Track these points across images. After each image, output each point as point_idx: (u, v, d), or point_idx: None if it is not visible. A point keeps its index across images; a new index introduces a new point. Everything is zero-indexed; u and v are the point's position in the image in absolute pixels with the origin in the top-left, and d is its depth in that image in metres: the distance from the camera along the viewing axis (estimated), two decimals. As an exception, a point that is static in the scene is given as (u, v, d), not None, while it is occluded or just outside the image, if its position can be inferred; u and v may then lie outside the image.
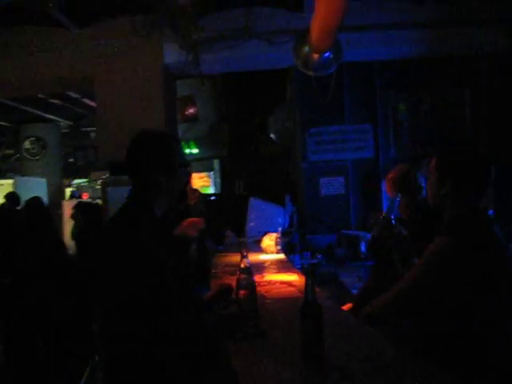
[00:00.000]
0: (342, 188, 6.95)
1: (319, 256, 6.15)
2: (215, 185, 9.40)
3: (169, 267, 2.20)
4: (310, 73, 5.70)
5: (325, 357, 1.91)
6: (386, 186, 3.26)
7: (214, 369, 2.18)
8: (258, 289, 2.98)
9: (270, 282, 3.37)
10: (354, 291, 5.13)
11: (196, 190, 5.74)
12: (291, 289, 3.17)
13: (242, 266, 2.37)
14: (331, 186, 6.94)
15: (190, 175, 2.10)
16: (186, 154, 9.80)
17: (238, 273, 2.36)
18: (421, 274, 2.28)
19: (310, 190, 6.97)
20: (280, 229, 4.99)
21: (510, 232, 5.89)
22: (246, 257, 2.40)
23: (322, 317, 1.91)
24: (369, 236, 6.53)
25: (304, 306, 1.92)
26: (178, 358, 2.07)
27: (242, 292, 2.32)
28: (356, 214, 6.94)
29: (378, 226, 3.09)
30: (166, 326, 2.07)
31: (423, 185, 3.17)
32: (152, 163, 2.26)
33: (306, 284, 1.93)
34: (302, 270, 4.93)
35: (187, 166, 2.35)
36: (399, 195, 2.96)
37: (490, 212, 6.59)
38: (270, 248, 4.79)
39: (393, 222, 2.93)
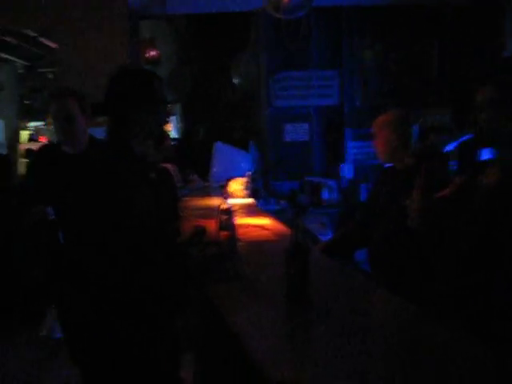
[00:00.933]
0: (306, 135, 6.92)
1: (283, 202, 6.17)
2: (177, 129, 9.25)
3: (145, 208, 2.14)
4: (280, 16, 5.58)
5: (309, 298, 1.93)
6: (375, 130, 3.17)
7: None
8: (232, 232, 2.97)
9: (242, 226, 3.35)
10: (320, 237, 5.18)
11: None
12: (265, 232, 3.17)
13: (224, 207, 2.35)
14: (295, 132, 6.90)
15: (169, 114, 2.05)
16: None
17: (219, 215, 2.34)
18: None
19: (274, 136, 6.92)
20: (249, 173, 4.96)
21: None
22: (227, 198, 2.37)
23: (309, 259, 1.91)
24: (331, 183, 6.60)
25: (291, 246, 1.91)
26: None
27: (223, 233, 2.30)
28: (319, 161, 6.95)
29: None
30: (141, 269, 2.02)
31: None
32: (134, 99, 2.18)
33: (295, 224, 1.92)
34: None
35: (168, 104, 2.27)
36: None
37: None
38: (237, 192, 4.77)
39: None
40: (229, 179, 5.25)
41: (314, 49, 6.81)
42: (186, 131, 9.16)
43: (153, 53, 9.12)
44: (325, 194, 6.52)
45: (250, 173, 5.03)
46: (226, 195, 2.37)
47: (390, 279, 3.04)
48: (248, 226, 3.37)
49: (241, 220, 3.62)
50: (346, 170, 6.63)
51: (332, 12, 6.71)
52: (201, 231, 2.58)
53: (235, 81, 8.22)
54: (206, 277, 2.24)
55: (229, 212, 2.31)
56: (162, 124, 2.25)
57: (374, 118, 3.41)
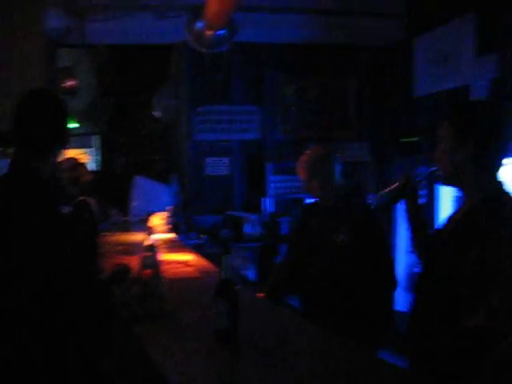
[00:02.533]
0: (227, 168, 6.90)
1: (204, 237, 6.09)
2: (95, 162, 9.02)
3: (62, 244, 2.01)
4: (202, 50, 5.60)
5: (238, 335, 1.86)
6: (299, 168, 3.18)
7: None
8: (156, 268, 2.87)
9: (165, 262, 3.26)
10: (241, 272, 5.15)
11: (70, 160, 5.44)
12: (189, 269, 3.10)
13: (147, 243, 2.27)
14: (216, 166, 6.87)
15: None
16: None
17: (143, 251, 2.26)
18: None
19: (195, 169, 6.86)
20: (170, 207, 4.88)
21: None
22: (150, 234, 2.29)
23: (238, 296, 1.86)
24: (253, 217, 6.59)
25: (220, 284, 1.86)
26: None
27: (146, 271, 2.21)
28: (240, 195, 6.93)
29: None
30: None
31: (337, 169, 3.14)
32: (49, 128, 2.05)
33: (222, 261, 1.87)
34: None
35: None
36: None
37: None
38: (158, 227, 4.67)
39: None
40: (149, 213, 5.14)
41: (236, 83, 6.85)
42: (105, 164, 8.96)
43: (71, 82, 8.90)
44: (246, 229, 6.49)
45: (171, 207, 4.93)
46: (149, 230, 2.28)
47: (326, 314, 3.04)
48: (171, 262, 3.29)
49: (163, 256, 3.52)
50: (267, 204, 6.64)
51: (254, 47, 6.78)
52: (123, 269, 2.48)
53: (156, 113, 8.13)
54: (130, 317, 2.13)
55: (152, 248, 2.23)
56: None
57: (295, 152, 3.42)
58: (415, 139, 5.88)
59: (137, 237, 4.11)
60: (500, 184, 2.10)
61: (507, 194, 2.08)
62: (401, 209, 5.92)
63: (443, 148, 2.11)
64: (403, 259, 5.99)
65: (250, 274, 5.91)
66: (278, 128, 6.96)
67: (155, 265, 2.21)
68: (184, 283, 2.77)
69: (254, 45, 6.70)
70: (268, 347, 1.86)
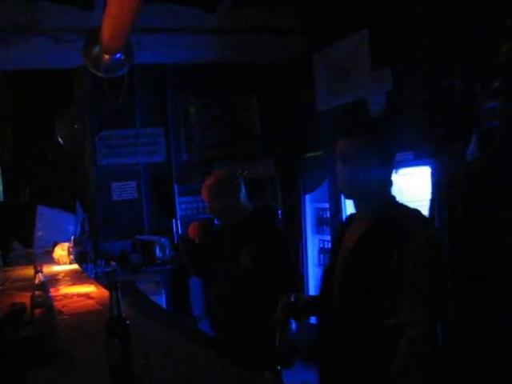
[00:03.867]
0: (135, 192, 6.79)
1: (114, 263, 5.96)
2: (-4, 192, 8.68)
3: None
4: (101, 74, 5.50)
5: (136, 376, 1.81)
6: (203, 192, 3.20)
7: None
8: (55, 304, 2.76)
9: (66, 296, 3.17)
10: (152, 297, 5.06)
11: None
12: (90, 301, 3.01)
13: (37, 281, 2.18)
14: (123, 190, 6.75)
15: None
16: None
17: (33, 290, 2.16)
18: None
19: (101, 195, 6.71)
20: (72, 238, 4.74)
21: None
22: (40, 271, 2.20)
23: (130, 332, 1.81)
24: (163, 240, 6.51)
25: (110, 321, 1.80)
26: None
27: (37, 311, 2.12)
28: (149, 219, 6.83)
29: None
30: None
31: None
32: None
33: (111, 298, 1.81)
34: (97, 280, 4.74)
35: None
36: None
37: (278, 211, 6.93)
38: (62, 259, 4.53)
39: None
40: (54, 244, 4.98)
41: (140, 106, 6.78)
42: (7, 193, 8.62)
43: (-33, 112, 8.55)
44: (158, 252, 6.41)
45: (73, 237, 4.80)
46: (38, 268, 2.19)
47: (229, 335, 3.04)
48: (72, 295, 3.18)
49: (65, 289, 3.42)
50: (177, 226, 6.58)
51: (156, 69, 6.75)
52: (19, 309, 2.38)
53: (60, 139, 7.91)
54: (21, 361, 2.04)
55: (43, 286, 2.14)
56: None
57: (201, 173, 3.45)
58: (319, 153, 5.99)
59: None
60: (393, 198, 2.22)
61: (401, 206, 2.20)
62: (309, 224, 6.00)
63: (341, 165, 2.16)
64: (314, 272, 6.09)
65: (162, 298, 5.83)
66: (184, 149, 6.93)
67: (47, 304, 2.13)
68: (84, 318, 2.67)
69: (155, 66, 6.68)
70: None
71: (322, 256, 6.06)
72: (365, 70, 5.66)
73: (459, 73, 4.27)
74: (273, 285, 2.91)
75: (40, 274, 2.17)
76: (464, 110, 4.04)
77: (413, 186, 4.69)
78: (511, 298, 3.13)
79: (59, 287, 3.49)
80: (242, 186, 3.17)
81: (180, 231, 6.58)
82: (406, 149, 4.47)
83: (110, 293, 1.80)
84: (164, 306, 5.71)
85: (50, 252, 4.88)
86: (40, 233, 5.80)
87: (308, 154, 6.35)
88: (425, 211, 4.42)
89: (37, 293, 2.13)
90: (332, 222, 5.67)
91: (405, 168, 4.58)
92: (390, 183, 2.22)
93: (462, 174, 3.75)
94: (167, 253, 6.44)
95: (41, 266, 2.21)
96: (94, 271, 5.42)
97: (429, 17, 4.79)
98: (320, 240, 6.13)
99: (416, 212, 2.16)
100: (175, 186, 6.77)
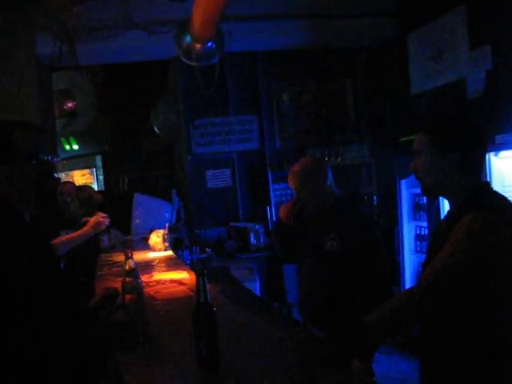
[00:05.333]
0: (229, 180, 6.87)
1: (209, 250, 6.05)
2: (98, 182, 9.04)
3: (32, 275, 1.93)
4: (193, 63, 5.57)
5: (220, 362, 1.81)
6: (290, 179, 3.18)
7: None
8: (147, 290, 2.84)
9: (159, 282, 3.23)
10: (246, 284, 5.08)
11: (68, 183, 5.45)
12: (182, 287, 3.05)
13: (127, 267, 2.22)
14: (218, 178, 6.84)
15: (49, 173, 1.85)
16: (65, 149, 9.35)
17: (123, 276, 2.21)
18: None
19: (196, 183, 6.83)
20: (167, 225, 4.83)
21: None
22: (130, 258, 2.24)
23: (216, 319, 1.80)
24: (258, 227, 6.54)
25: (196, 308, 1.81)
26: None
27: (128, 296, 2.16)
28: (244, 206, 6.89)
29: None
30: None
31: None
32: None
33: (198, 284, 1.81)
34: (192, 266, 4.82)
35: (45, 162, 2.05)
36: None
37: (374, 197, 6.80)
38: (157, 245, 4.63)
39: None
40: (151, 231, 5.10)
41: (232, 94, 6.82)
42: (108, 183, 8.96)
43: (69, 104, 8.95)
44: (252, 239, 6.45)
45: (168, 224, 4.89)
46: (128, 254, 2.23)
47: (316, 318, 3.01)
48: (165, 281, 3.24)
49: (159, 275, 3.49)
50: (271, 213, 6.58)
51: (247, 56, 6.76)
52: (113, 294, 2.43)
53: (156, 129, 8.12)
54: (113, 344, 2.09)
55: (134, 273, 2.18)
56: (29, 183, 2.03)
57: (295, 159, 3.44)
58: (414, 137, 5.78)
59: (137, 256, 4.08)
60: (483, 184, 2.12)
61: (490, 191, 2.10)
62: (405, 210, 5.82)
63: (423, 160, 2.11)
64: (410, 259, 5.91)
65: (256, 285, 5.85)
66: (277, 136, 6.91)
67: (137, 290, 2.16)
68: (174, 304, 2.71)
69: (247, 54, 6.68)
70: (251, 375, 1.79)
71: (418, 243, 5.86)
72: (462, 48, 5.41)
73: None
74: (359, 271, 2.85)
75: (130, 261, 2.20)
76: None
77: (515, 170, 4.45)
78: None
79: (153, 273, 3.57)
80: (329, 173, 3.12)
81: (274, 218, 6.58)
82: (506, 130, 4.24)
83: (197, 279, 1.80)
84: (258, 293, 5.74)
85: (147, 239, 4.99)
86: (137, 220, 5.97)
87: (402, 139, 6.16)
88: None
89: (127, 279, 2.17)
90: (428, 208, 5.47)
91: (506, 151, 4.34)
92: (478, 170, 2.12)
93: None
94: (262, 240, 6.46)
95: (131, 252, 2.25)
96: (189, 258, 5.53)
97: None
98: (417, 226, 5.93)
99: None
100: (269, 173, 6.78)
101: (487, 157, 4.48)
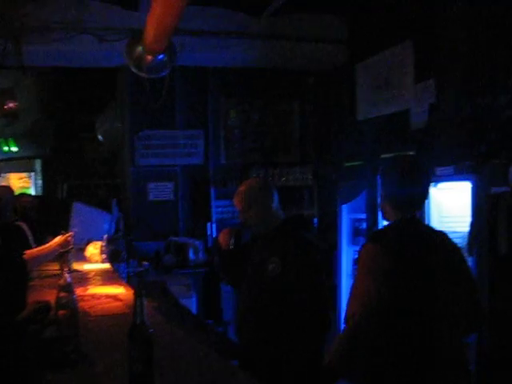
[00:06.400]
0: (171, 194, 6.80)
1: (146, 264, 5.95)
2: (36, 187, 8.79)
3: None
4: (143, 74, 5.51)
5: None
6: (235, 199, 3.17)
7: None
8: (81, 304, 2.75)
9: (94, 296, 3.14)
10: (183, 300, 5.02)
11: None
12: (117, 303, 2.98)
13: (62, 282, 2.15)
14: (160, 191, 6.76)
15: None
16: (3, 151, 9.07)
17: (57, 291, 2.14)
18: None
19: (138, 194, 6.74)
20: (105, 236, 4.73)
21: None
22: (67, 272, 2.18)
23: (152, 341, 1.76)
24: (197, 243, 6.49)
25: (132, 329, 1.76)
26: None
27: (61, 312, 2.09)
28: (185, 221, 6.83)
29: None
30: None
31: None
32: None
33: (135, 305, 1.76)
34: (129, 280, 4.73)
35: None
36: None
37: (314, 220, 6.86)
38: (94, 257, 4.53)
39: None
40: (88, 241, 4.98)
41: (180, 107, 6.78)
42: (47, 188, 8.74)
43: (10, 104, 8.69)
44: (191, 255, 6.39)
45: (106, 236, 4.79)
46: (64, 266, 2.16)
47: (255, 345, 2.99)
48: (100, 296, 3.16)
49: (94, 289, 3.40)
50: (212, 229, 6.55)
51: (198, 71, 6.74)
52: (44, 308, 2.35)
53: (100, 136, 7.98)
54: (42, 362, 2.01)
55: (68, 288, 2.11)
56: None
57: (239, 177, 3.45)
58: (359, 163, 5.90)
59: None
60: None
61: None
62: (345, 235, 5.88)
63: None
64: (347, 283, 5.97)
65: (192, 301, 5.79)
66: (222, 152, 6.91)
67: (71, 306, 2.09)
68: (109, 321, 2.64)
69: (197, 69, 6.66)
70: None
71: (356, 267, 5.94)
72: (408, 81, 5.58)
73: (503, 88, 4.14)
74: (300, 295, 2.85)
75: (66, 275, 2.14)
76: (506, 126, 3.93)
77: (452, 201, 4.57)
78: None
79: (88, 286, 3.48)
80: (275, 195, 3.12)
81: (215, 235, 6.55)
82: (446, 163, 4.37)
83: (135, 300, 1.76)
84: (194, 310, 5.67)
85: (84, 250, 4.87)
86: (75, 229, 5.81)
87: (347, 164, 6.27)
88: (463, 227, 4.30)
89: (61, 294, 2.10)
90: (368, 233, 5.56)
91: (444, 182, 4.47)
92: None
93: (505, 199, 3.64)
94: (200, 256, 6.42)
95: (67, 265, 2.18)
96: (126, 271, 5.41)
97: (473, 30, 4.68)
98: (355, 251, 6.01)
99: None
100: (212, 190, 6.76)
101: (427, 188, 4.60)
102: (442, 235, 2.52)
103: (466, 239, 4.11)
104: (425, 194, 2.54)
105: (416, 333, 2.27)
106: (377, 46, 6.00)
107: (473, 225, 4.03)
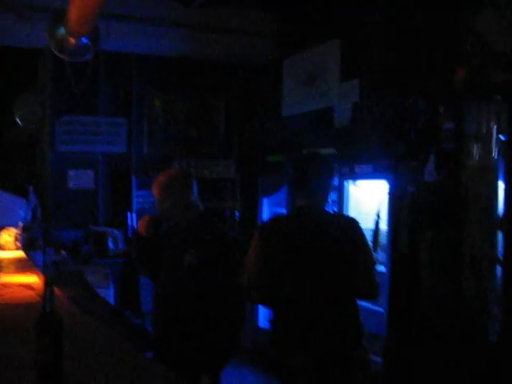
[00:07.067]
0: (91, 182, 6.65)
1: (64, 253, 5.81)
2: None
3: None
4: (65, 57, 5.35)
5: (63, 373, 1.72)
6: (154, 189, 3.14)
7: None
8: (-9, 293, 2.66)
9: (5, 285, 3.04)
10: (100, 290, 4.93)
11: None
12: (30, 292, 2.89)
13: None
14: (80, 179, 6.59)
15: None
16: None
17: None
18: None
19: (57, 181, 6.53)
20: (21, 224, 4.58)
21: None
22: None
23: (62, 330, 1.71)
24: (117, 232, 6.38)
25: (42, 317, 1.71)
26: None
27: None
28: (105, 210, 6.68)
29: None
30: None
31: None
32: None
33: (45, 293, 1.72)
34: (45, 269, 4.60)
35: None
36: None
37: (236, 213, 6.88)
38: (8, 245, 4.38)
39: None
40: (1, 228, 4.81)
41: (103, 94, 6.63)
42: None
43: None
44: (110, 244, 6.28)
45: (22, 223, 4.64)
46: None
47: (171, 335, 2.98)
48: (12, 285, 3.06)
49: (6, 278, 3.29)
50: (132, 219, 6.45)
51: (123, 58, 6.60)
52: None
53: (18, 120, 7.69)
54: None
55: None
56: None
57: (161, 167, 3.44)
58: (280, 158, 5.97)
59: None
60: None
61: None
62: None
63: None
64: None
65: (110, 291, 5.70)
66: (145, 142, 6.81)
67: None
68: (19, 309, 2.56)
69: (123, 55, 6.53)
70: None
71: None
72: (333, 79, 5.67)
73: (421, 93, 4.29)
74: (216, 287, 2.86)
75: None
76: (424, 129, 4.09)
77: (369, 199, 4.71)
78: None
79: (1, 275, 3.36)
80: (195, 186, 3.11)
81: (135, 225, 6.45)
82: (366, 161, 4.49)
83: (45, 288, 1.71)
84: (111, 300, 5.58)
85: (-3, 237, 4.71)
86: (-12, 216, 5.60)
87: (270, 158, 6.32)
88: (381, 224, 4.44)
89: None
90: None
91: (363, 180, 4.60)
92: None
93: (408, 199, 3.84)
94: (120, 246, 6.32)
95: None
96: (42, 260, 5.26)
97: (397, 34, 4.81)
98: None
99: None
100: (134, 179, 6.65)
101: (346, 184, 4.72)
102: (344, 221, 3.05)
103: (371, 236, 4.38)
104: (324, 187, 2.92)
105: (300, 301, 2.77)
106: (305, 42, 6.07)
107: (377, 223, 4.36)
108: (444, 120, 3.72)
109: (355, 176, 4.63)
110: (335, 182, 4.70)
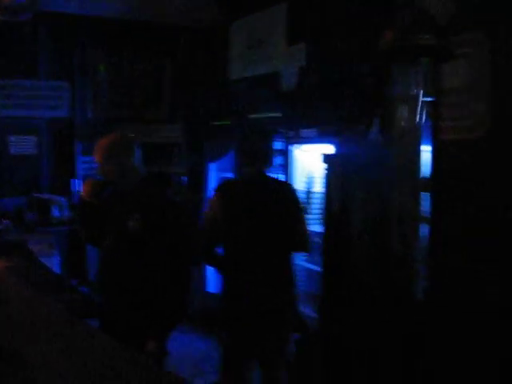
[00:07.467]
0: (34, 148, 6.47)
1: (6, 221, 5.68)
2: None
3: None
4: (2, 17, 5.13)
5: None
6: (96, 152, 3.07)
7: None
8: None
9: None
10: (44, 259, 4.84)
11: None
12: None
13: None
14: (22, 145, 6.40)
15: None
16: None
17: None
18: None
19: (-2, 148, 6.35)
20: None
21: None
22: None
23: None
24: (62, 200, 6.26)
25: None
26: None
27: None
28: (48, 177, 6.53)
29: None
30: None
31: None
32: None
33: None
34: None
35: None
36: None
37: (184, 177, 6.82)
38: None
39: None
40: None
41: (44, 56, 6.41)
42: None
43: None
44: (54, 212, 6.16)
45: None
46: None
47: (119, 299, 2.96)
48: None
49: None
50: (77, 186, 6.33)
51: (65, 19, 6.37)
52: None
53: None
54: None
55: None
56: None
57: (106, 132, 3.37)
58: (227, 122, 5.92)
59: None
60: None
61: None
62: (211, 187, 5.94)
63: None
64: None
65: (55, 260, 5.61)
66: (89, 106, 6.65)
67: None
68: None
69: (65, 16, 6.30)
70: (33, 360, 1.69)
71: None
72: (280, 43, 5.63)
73: (366, 57, 4.30)
74: (161, 251, 2.84)
75: None
76: (368, 92, 4.12)
77: (315, 163, 4.73)
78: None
79: None
80: (137, 151, 3.06)
81: (80, 191, 6.33)
82: (311, 126, 4.50)
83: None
84: (57, 269, 5.49)
85: None
86: None
87: (216, 123, 6.27)
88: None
89: None
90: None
91: (309, 144, 4.61)
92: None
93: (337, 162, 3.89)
94: (65, 213, 6.20)
95: None
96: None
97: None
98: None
99: None
100: (78, 144, 6.51)
101: (291, 148, 4.73)
102: (280, 185, 3.56)
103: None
104: (262, 154, 3.38)
105: (242, 250, 3.34)
106: (252, 5, 5.99)
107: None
108: (386, 83, 3.75)
109: (301, 140, 4.63)
110: (281, 146, 4.72)
